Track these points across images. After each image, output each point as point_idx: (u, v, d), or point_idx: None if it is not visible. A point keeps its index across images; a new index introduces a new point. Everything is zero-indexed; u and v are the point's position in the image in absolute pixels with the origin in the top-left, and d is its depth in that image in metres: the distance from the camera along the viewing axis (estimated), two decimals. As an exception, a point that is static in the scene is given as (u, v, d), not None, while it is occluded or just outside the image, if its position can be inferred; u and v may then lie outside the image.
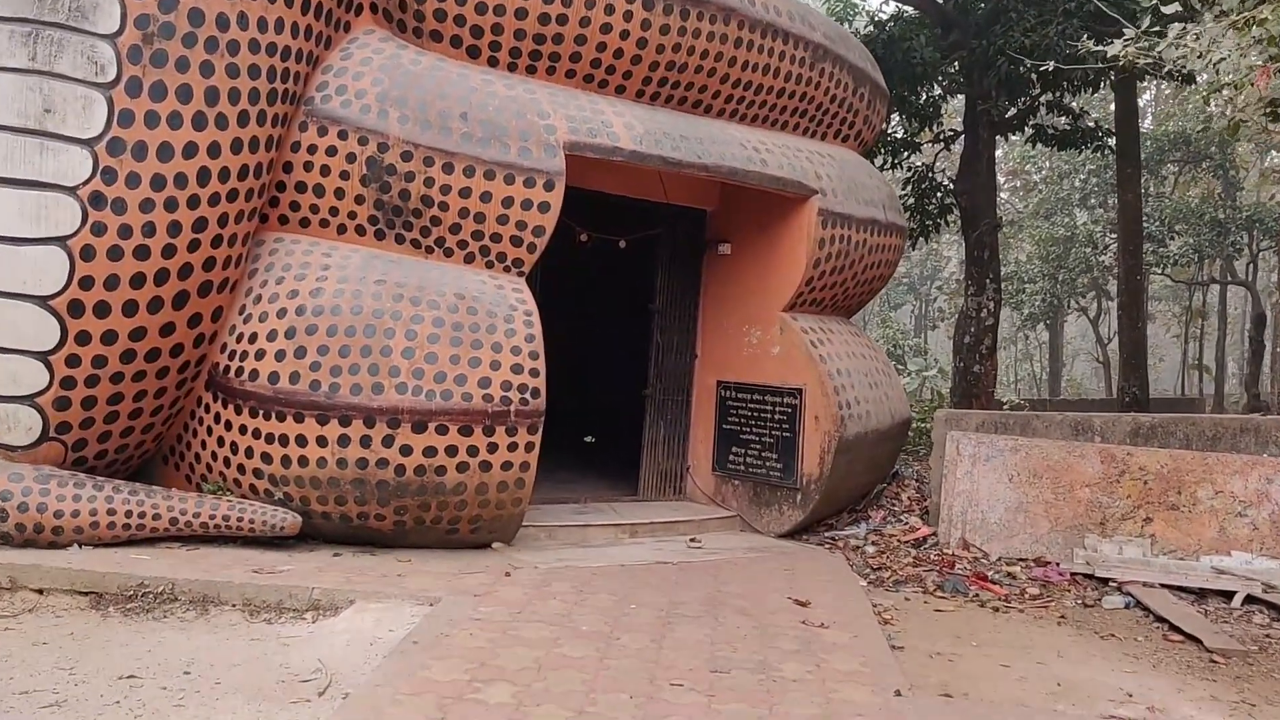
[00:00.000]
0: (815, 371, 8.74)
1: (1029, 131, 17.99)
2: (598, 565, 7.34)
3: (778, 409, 8.97)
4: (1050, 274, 31.94)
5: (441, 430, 7.03)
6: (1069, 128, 18.29)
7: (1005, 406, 21.29)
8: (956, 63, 16.68)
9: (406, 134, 7.34)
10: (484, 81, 7.69)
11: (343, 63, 7.53)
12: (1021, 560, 8.49)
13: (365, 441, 6.97)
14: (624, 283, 11.31)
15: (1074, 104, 18.95)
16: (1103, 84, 16.84)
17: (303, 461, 7.03)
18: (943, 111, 18.97)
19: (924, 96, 17.43)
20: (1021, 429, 9.15)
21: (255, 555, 6.94)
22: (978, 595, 7.55)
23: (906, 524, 9.26)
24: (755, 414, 9.13)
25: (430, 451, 7.03)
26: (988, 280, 16.74)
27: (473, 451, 7.12)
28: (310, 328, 7.07)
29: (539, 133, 7.56)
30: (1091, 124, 18.83)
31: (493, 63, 7.93)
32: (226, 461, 7.26)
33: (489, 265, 7.67)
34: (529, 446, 7.29)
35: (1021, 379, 43.88)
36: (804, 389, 8.81)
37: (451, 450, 7.07)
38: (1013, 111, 17.00)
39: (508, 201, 7.44)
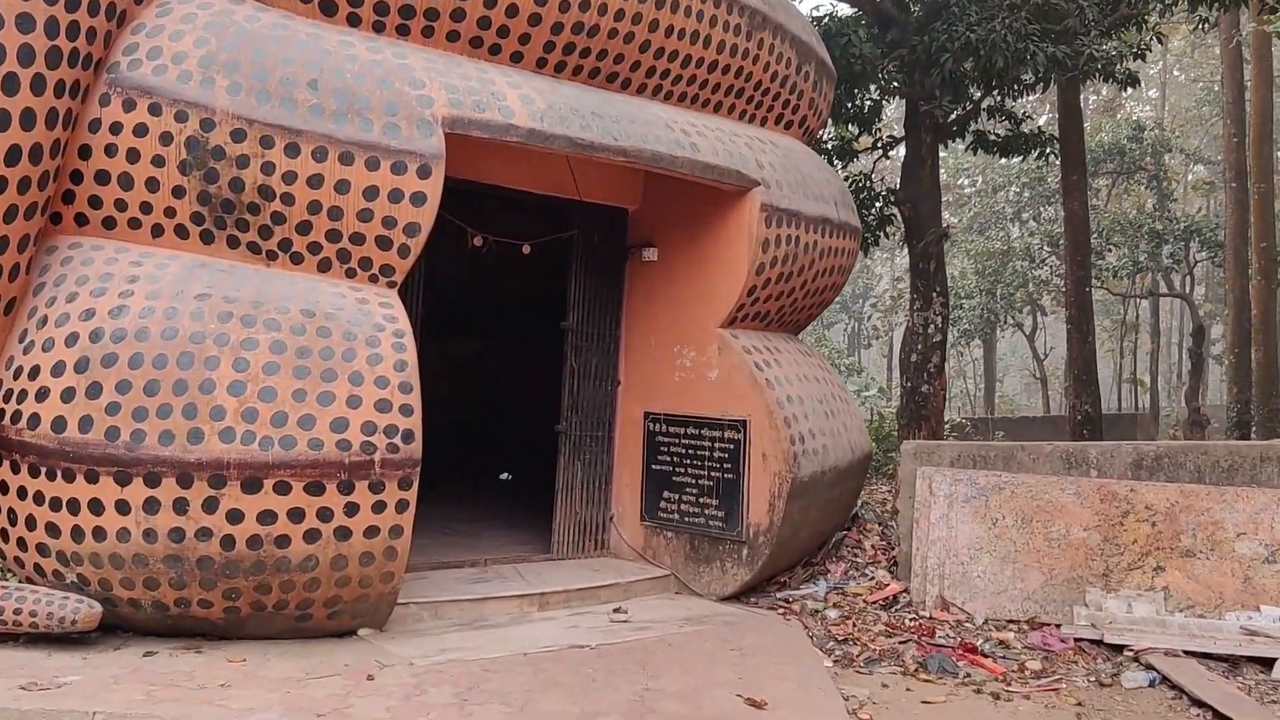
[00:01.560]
0: (762, 399, 7.23)
1: (969, 138, 16.88)
2: (493, 656, 5.71)
3: (717, 445, 7.44)
4: (987, 289, 31.08)
5: (282, 489, 5.37)
6: (1011, 133, 17.20)
7: (948, 426, 20.10)
8: (896, 62, 15.47)
9: (238, 107, 5.70)
10: (342, 44, 6.08)
11: (159, 20, 5.88)
12: (1013, 622, 7.04)
13: (180, 506, 5.28)
14: (533, 296, 9.74)
15: (1015, 109, 17.91)
16: (1044, 88, 15.79)
17: (99, 534, 5.33)
18: (881, 116, 17.82)
19: (863, 99, 16.20)
20: (1005, 463, 7.73)
21: (39, 659, 5.24)
22: (969, 675, 6.06)
23: (873, 579, 7.77)
24: (691, 451, 7.59)
25: (267, 517, 5.37)
26: (934, 294, 15.44)
27: (325, 515, 5.47)
28: (108, 358, 5.38)
29: (410, 105, 5.96)
30: (1034, 130, 17.77)
31: (354, 21, 6.31)
32: (3, 534, 5.53)
33: (349, 274, 6.03)
34: (401, 506, 5.65)
35: (955, 396, 43.08)
36: (748, 420, 7.28)
37: (296, 514, 5.42)
38: (954, 115, 15.84)
39: (371, 192, 5.83)
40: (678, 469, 7.66)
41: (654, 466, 7.80)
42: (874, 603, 7.39)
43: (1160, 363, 36.42)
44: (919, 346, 15.51)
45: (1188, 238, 27.36)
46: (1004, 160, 37.00)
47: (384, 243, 5.94)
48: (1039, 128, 18.55)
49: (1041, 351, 36.98)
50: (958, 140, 17.51)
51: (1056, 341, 42.51)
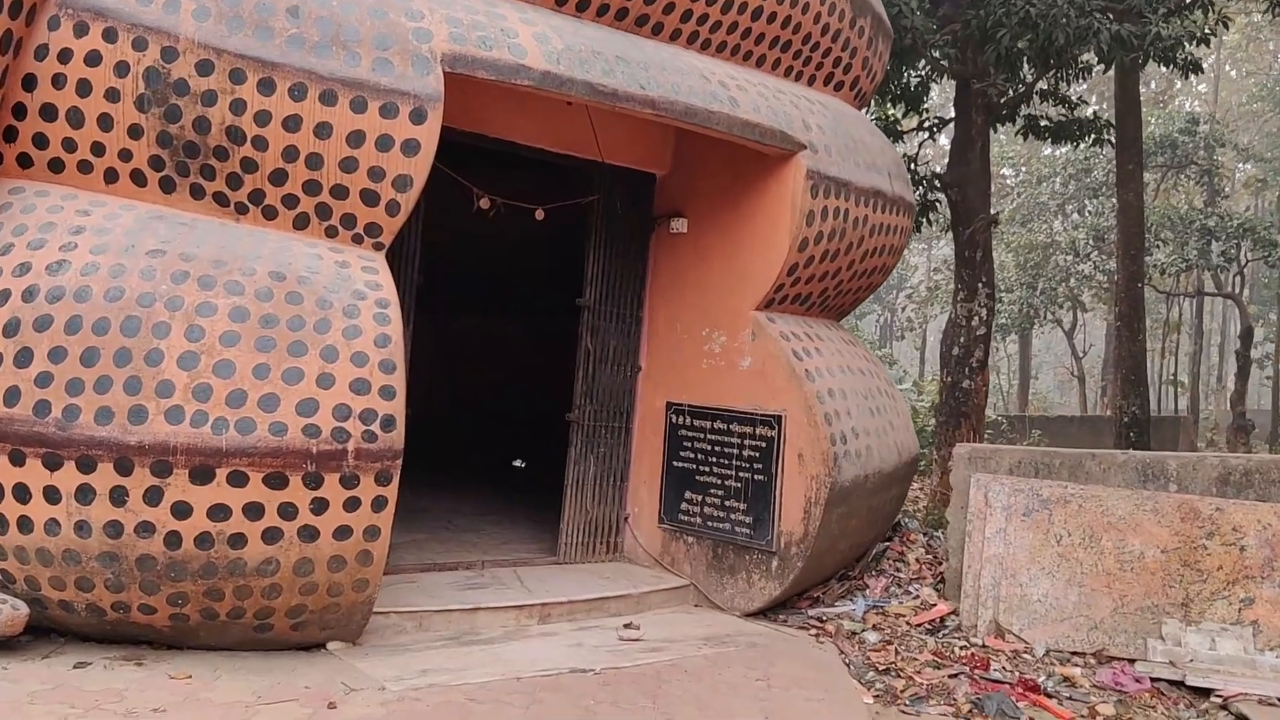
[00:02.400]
0: (799, 392, 6.37)
1: (1020, 123, 15.91)
2: (481, 681, 4.90)
3: (748, 442, 6.60)
4: (1028, 283, 29.99)
5: (237, 480, 4.58)
6: (1064, 118, 16.19)
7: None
8: (948, 36, 14.49)
9: (205, 35, 4.91)
10: (330, -34, 5.25)
11: (120, -68, 5.07)
12: (1078, 654, 6.18)
13: (118, 496, 4.51)
14: (548, 270, 8.91)
15: (1070, 93, 16.90)
16: (1106, 68, 14.79)
17: (24, 524, 4.57)
18: (929, 95, 16.87)
19: (910, 76, 15.24)
20: (1071, 472, 6.84)
21: (-48, 668, 4.49)
22: (1033, 720, 5.22)
23: (917, 597, 6.92)
24: (717, 448, 6.76)
25: (220, 512, 4.58)
26: (980, 284, 14.48)
27: (288, 512, 4.68)
28: (41, 320, 4.61)
29: (405, 39, 5.13)
30: (1090, 115, 16.74)
31: (346, -58, 5.49)
32: (-81, 521, 4.78)
33: (330, 233, 5.23)
34: (378, 503, 4.85)
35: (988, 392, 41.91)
36: (783, 416, 6.44)
37: (253, 510, 4.63)
38: (1007, 96, 14.86)
39: (356, 138, 5.02)
40: (702, 467, 6.83)
41: (675, 464, 6.97)
42: (918, 626, 6.55)
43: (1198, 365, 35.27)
44: (961, 339, 14.57)
45: (1240, 236, 26.20)
46: (1048, 150, 35.88)
47: (370, 197, 5.13)
48: (1095, 113, 17.54)
49: (1081, 349, 35.84)
50: (1007, 125, 16.57)
51: (1094, 339, 41.39)
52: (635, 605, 6.38)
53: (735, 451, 6.66)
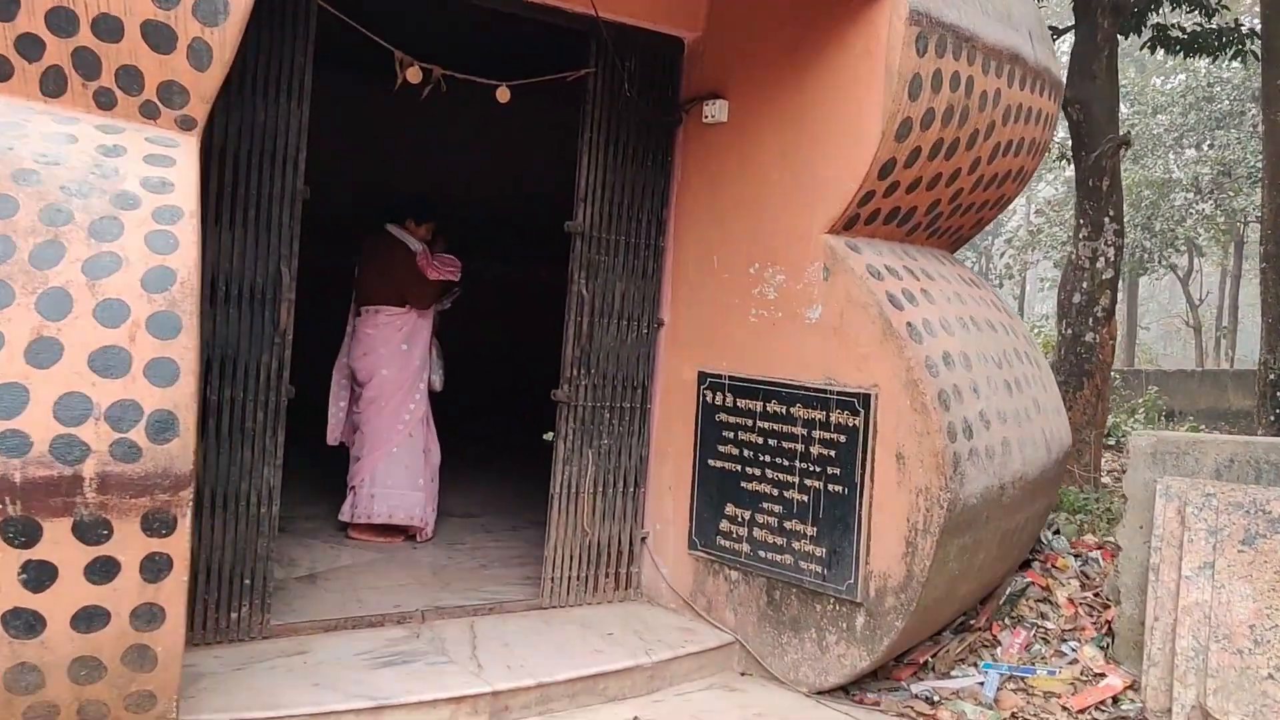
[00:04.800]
0: (899, 358, 4.10)
1: (1148, 33, 13.25)
2: None
3: (818, 434, 4.36)
4: (1142, 224, 26.95)
5: None
6: (1200, 27, 13.46)
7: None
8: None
9: None
10: None
11: None
12: (1346, 772, 3.87)
13: None
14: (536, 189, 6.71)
15: (1205, -1, 14.15)
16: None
17: None
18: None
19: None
20: (1319, 476, 4.49)
21: None
22: None
23: (1074, 661, 4.65)
24: (773, 442, 4.52)
25: None
26: (1107, 219, 11.91)
27: (-37, 593, 2.59)
28: None
29: None
30: (1230, 23, 13.96)
31: None
32: None
33: (102, 101, 3.09)
34: (152, 567, 2.75)
35: (1089, 345, 38.78)
36: (873, 394, 4.17)
37: (-104, 592, 2.55)
38: (1134, -1, 12.23)
39: (118, -76, 2.85)
40: (750, 469, 4.61)
41: (712, 463, 4.75)
42: (1082, 712, 4.29)
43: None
44: (1084, 284, 11.99)
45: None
46: (1158, 80, 32.52)
47: (159, 37, 2.98)
48: (1236, 20, 14.75)
49: (1198, 297, 32.66)
50: (1131, 38, 13.92)
51: (1210, 286, 37.91)
52: (650, 682, 4.23)
53: (799, 447, 4.43)
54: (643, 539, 5.02)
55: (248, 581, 3.98)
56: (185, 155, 3.09)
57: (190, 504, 2.77)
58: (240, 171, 3.83)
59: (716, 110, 4.74)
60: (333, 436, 5.83)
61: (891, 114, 4.15)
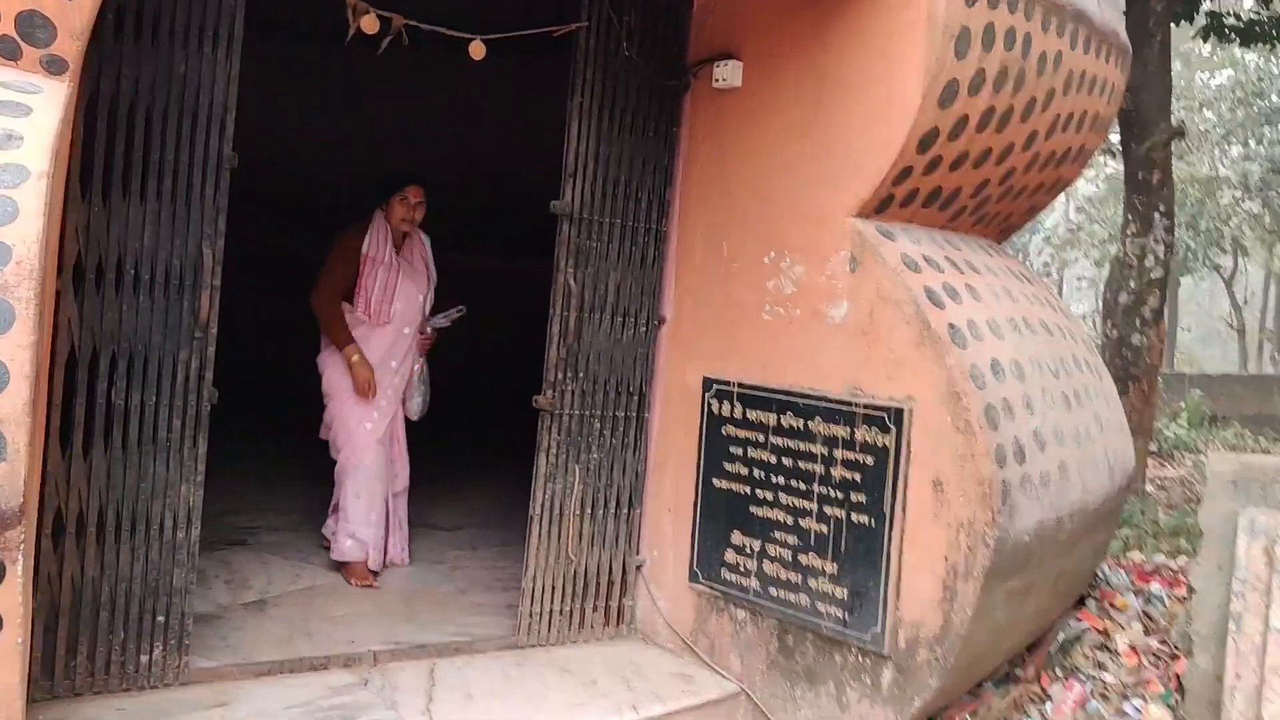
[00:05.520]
0: (939, 366, 3.43)
1: (1199, 20, 12.48)
2: None
3: (841, 454, 3.69)
4: (1187, 222, 25.99)
5: None
6: (1258, 15, 12.67)
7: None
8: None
9: None
10: None
11: None
12: None
13: None
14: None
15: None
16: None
17: None
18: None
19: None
20: None
21: None
22: None
23: (1137, 723, 3.96)
24: (788, 461, 3.86)
25: None
26: (1157, 214, 11.16)
27: None
28: None
29: None
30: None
31: None
32: None
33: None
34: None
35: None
36: (907, 409, 3.50)
37: None
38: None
39: None
40: (761, 492, 3.95)
41: (717, 482, 4.10)
42: (1149, 789, 3.61)
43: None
44: (1131, 284, 11.26)
45: None
46: (1206, 75, 31.51)
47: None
48: (1296, 9, 13.91)
49: (1242, 298, 31.60)
50: (1182, 25, 13.12)
51: (1254, 287, 36.71)
52: (637, 741, 3.59)
53: (818, 469, 3.77)
54: (637, 567, 4.37)
55: (161, 619, 3.36)
56: (47, 104, 2.47)
57: (23, 545, 2.16)
58: (154, 133, 3.21)
59: (728, 72, 4.08)
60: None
61: (934, 75, 3.48)
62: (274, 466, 6.79)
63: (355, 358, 4.62)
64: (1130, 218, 11.14)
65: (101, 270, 3.15)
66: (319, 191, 7.57)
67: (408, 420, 4.98)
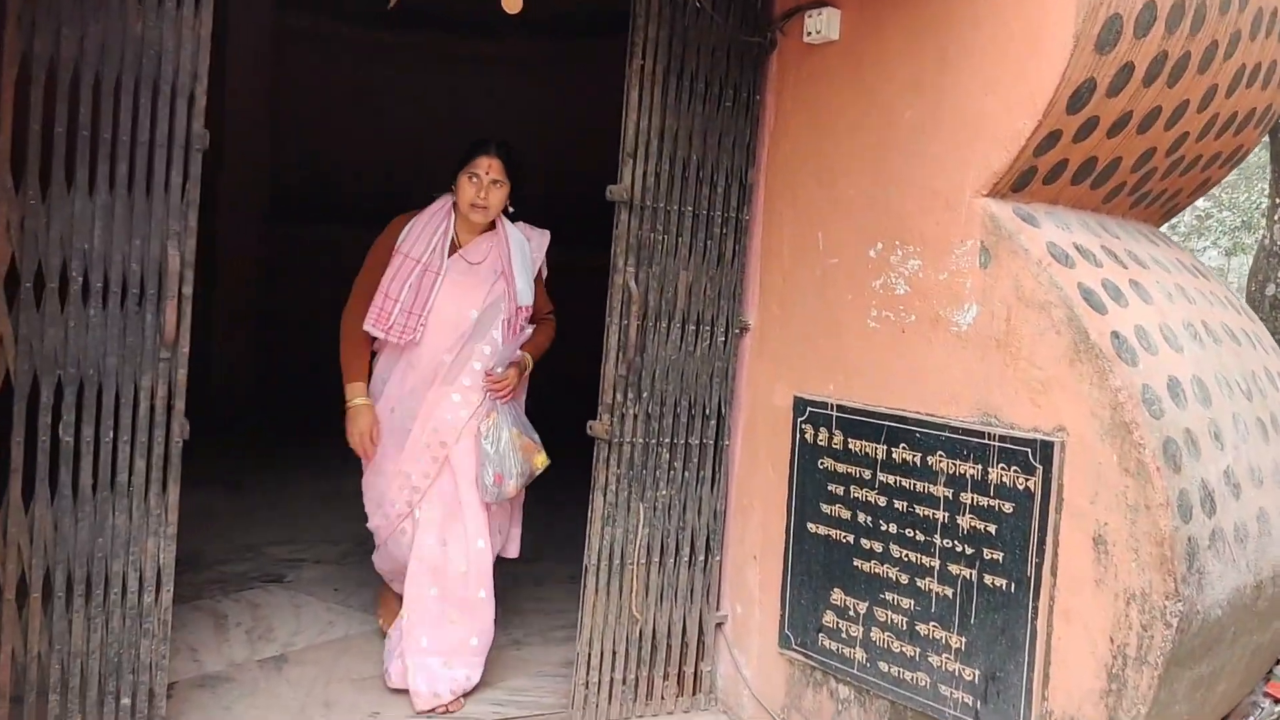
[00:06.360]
0: (1103, 387, 2.64)
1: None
2: None
3: (970, 496, 2.91)
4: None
5: None
6: None
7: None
8: None
9: None
10: None
11: None
12: None
13: None
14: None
15: None
16: None
17: None
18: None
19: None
20: None
21: None
22: None
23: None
24: (900, 502, 3.09)
25: None
26: (1309, 197, 10.05)
27: None
28: None
29: None
30: None
31: None
32: None
33: None
34: None
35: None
36: (1058, 442, 2.71)
37: None
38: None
39: None
40: (868, 541, 3.19)
41: (812, 527, 3.35)
42: None
43: None
44: (1277, 275, 10.19)
45: None
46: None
47: None
48: None
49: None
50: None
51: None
52: None
53: (940, 516, 2.99)
54: (717, 625, 3.65)
55: (126, 701, 2.76)
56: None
57: None
58: (104, 107, 2.61)
59: (823, 23, 3.32)
60: None
61: (1091, 9, 2.68)
62: (332, 483, 6.24)
63: (357, 401, 3.59)
64: (1277, 200, 9.98)
65: (42, 278, 2.56)
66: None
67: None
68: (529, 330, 3.69)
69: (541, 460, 3.62)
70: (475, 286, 3.60)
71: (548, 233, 3.84)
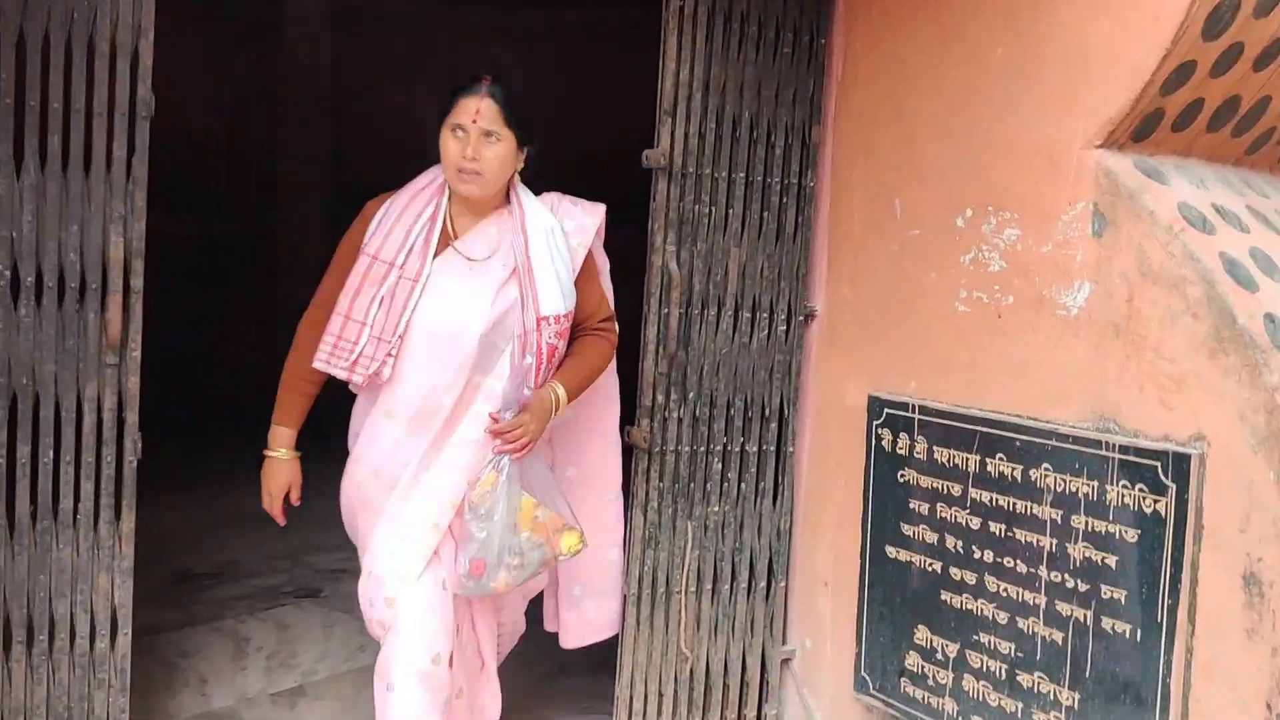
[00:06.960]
0: (1254, 386, 2.08)
1: None
2: None
3: (1083, 519, 2.37)
4: None
5: None
6: None
7: None
8: None
9: None
10: None
11: None
12: None
13: None
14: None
15: None
16: None
17: None
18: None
19: None
20: None
21: None
22: None
23: None
24: (997, 524, 2.56)
25: None
26: None
27: None
28: None
29: None
30: None
31: None
32: None
33: None
34: None
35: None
36: (1195, 454, 2.15)
37: None
38: None
39: None
40: (958, 570, 2.65)
41: (891, 551, 2.82)
42: None
43: None
44: None
45: None
46: None
47: None
48: None
49: None
50: None
51: None
52: None
53: (1046, 543, 2.44)
54: (783, 661, 3.15)
55: (80, 762, 2.40)
56: None
57: None
58: (29, 68, 2.23)
59: (896, -50, 2.78)
60: None
61: (1237, -99, 2.10)
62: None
63: (278, 453, 2.68)
64: None
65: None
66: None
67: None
68: (556, 349, 2.56)
69: (571, 543, 2.54)
70: (478, 293, 2.53)
71: (601, 206, 2.74)
